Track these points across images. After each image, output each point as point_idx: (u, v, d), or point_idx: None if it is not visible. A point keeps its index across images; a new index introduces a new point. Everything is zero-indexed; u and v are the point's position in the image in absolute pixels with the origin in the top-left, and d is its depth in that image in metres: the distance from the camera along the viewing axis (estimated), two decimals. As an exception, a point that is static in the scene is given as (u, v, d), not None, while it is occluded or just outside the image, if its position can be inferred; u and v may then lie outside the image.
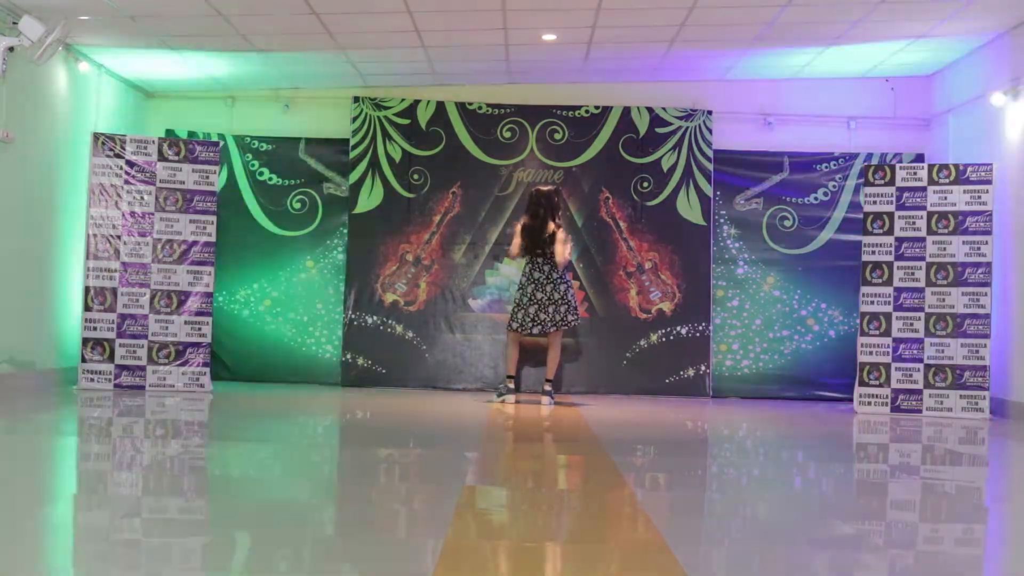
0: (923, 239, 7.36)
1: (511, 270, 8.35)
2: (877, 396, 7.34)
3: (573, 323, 7.53)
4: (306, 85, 8.70)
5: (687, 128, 8.51)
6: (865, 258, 7.45)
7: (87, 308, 7.31)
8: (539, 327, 7.42)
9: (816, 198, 8.49)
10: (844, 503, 4.01)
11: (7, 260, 6.84)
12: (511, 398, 7.51)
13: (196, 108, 8.75)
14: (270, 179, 8.61)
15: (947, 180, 7.36)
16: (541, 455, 5.17)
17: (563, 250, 7.41)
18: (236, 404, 6.95)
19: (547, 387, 7.57)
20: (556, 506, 3.73)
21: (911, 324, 7.33)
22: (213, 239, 7.55)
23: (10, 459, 4.40)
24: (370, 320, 8.42)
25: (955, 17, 6.89)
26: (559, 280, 7.46)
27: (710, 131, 8.51)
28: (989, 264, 7.22)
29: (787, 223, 8.50)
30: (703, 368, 8.34)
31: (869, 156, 8.42)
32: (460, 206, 8.52)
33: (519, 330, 7.43)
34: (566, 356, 8.29)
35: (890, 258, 7.40)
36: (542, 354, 7.86)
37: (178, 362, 7.40)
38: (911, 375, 7.30)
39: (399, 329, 8.43)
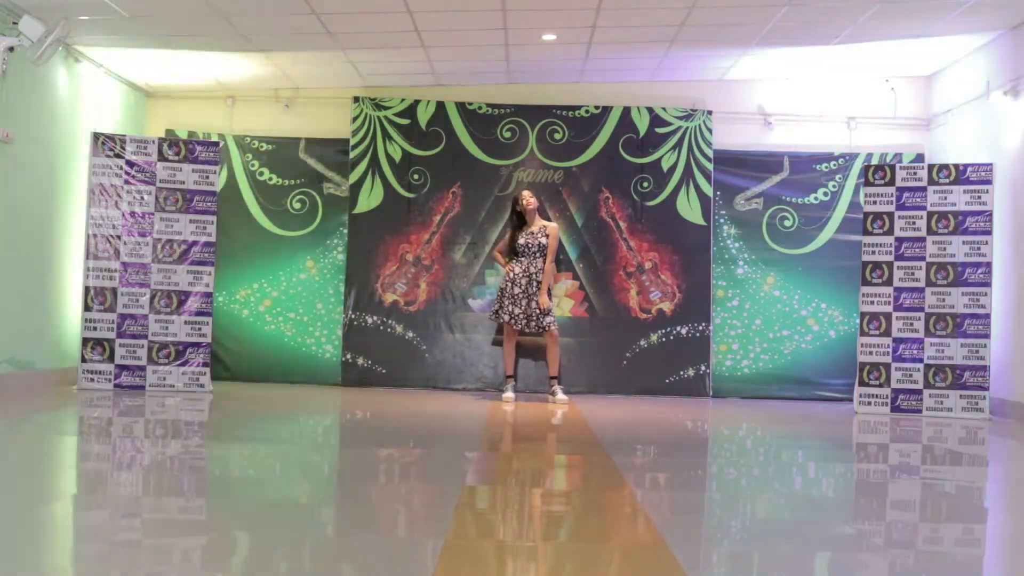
0: (923, 239, 7.36)
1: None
2: (877, 396, 7.34)
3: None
4: (306, 85, 8.69)
5: (687, 128, 8.51)
6: (865, 258, 7.45)
7: (87, 308, 7.31)
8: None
9: (816, 198, 8.49)
10: (844, 503, 4.00)
11: (7, 260, 6.83)
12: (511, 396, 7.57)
13: (196, 108, 8.75)
14: (270, 179, 8.60)
15: (947, 180, 7.36)
16: (541, 455, 5.16)
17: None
18: (236, 404, 6.95)
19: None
20: (556, 506, 3.73)
21: (911, 324, 7.33)
22: (213, 239, 7.54)
23: (10, 459, 4.39)
24: (370, 320, 8.42)
25: (955, 17, 6.89)
26: None
27: (710, 131, 8.51)
28: (989, 264, 7.22)
29: (787, 223, 8.49)
30: (703, 368, 8.33)
31: (869, 156, 8.43)
32: (460, 206, 8.52)
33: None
34: (566, 355, 8.29)
35: (890, 258, 7.40)
36: (537, 353, 7.88)
37: (178, 362, 7.39)
38: (911, 375, 7.30)
39: (399, 329, 8.42)
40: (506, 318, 7.53)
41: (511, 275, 7.57)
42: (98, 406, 6.47)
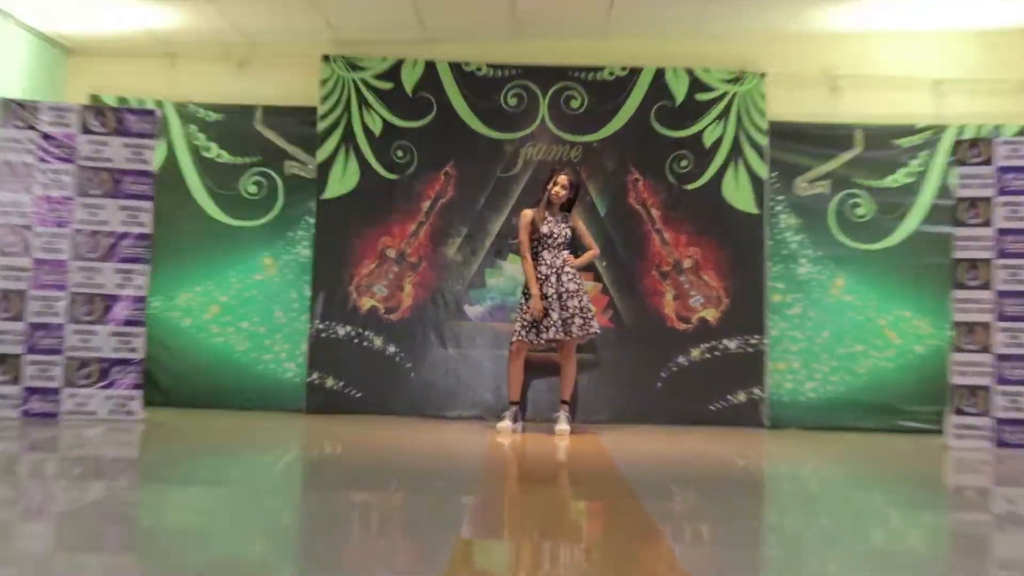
0: (1031, 230, 7.32)
1: (518, 269, 8.28)
2: (976, 427, 7.31)
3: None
4: (265, 41, 8.70)
5: (735, 94, 8.53)
6: (958, 255, 7.44)
7: (-10, 316, 7.28)
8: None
9: (896, 180, 8.48)
10: (937, 563, 3.94)
11: None
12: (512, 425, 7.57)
13: (128, 68, 8.77)
14: (219, 156, 8.61)
15: (1060, 157, 7.34)
16: (555, 500, 5.13)
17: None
18: (174, 436, 6.93)
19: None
20: (574, 565, 3.68)
21: (1017, 338, 7.29)
22: (148, 231, 7.52)
23: None
24: (342, 331, 8.40)
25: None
26: None
27: (764, 97, 8.53)
28: (1114, 262, 7.16)
29: (860, 211, 8.48)
30: (757, 392, 8.31)
31: (962, 128, 8.42)
32: (454, 190, 8.50)
33: None
34: (584, 376, 8.25)
35: (989, 255, 7.38)
36: (550, 371, 7.84)
37: (102, 384, 7.35)
38: (1018, 401, 7.25)
39: (378, 342, 8.40)
40: (540, 338, 7.46)
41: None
42: (0, 438, 6.41)
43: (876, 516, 4.97)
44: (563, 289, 7.48)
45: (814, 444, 7.47)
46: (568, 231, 7.63)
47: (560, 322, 7.43)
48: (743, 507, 5.07)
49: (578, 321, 7.47)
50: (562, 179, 7.60)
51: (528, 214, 7.66)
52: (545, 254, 7.56)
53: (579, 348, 8.04)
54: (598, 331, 7.65)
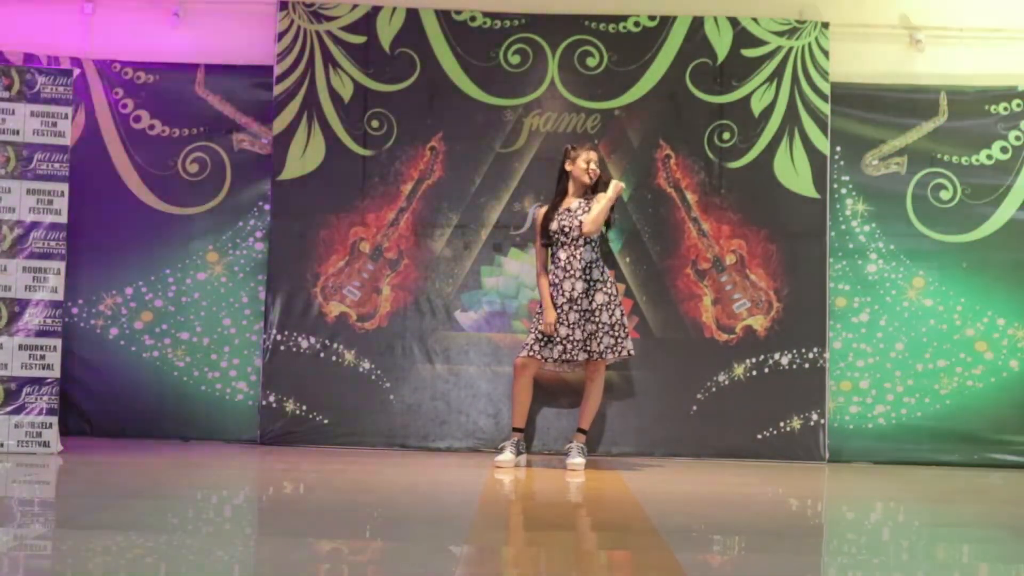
0: None
1: (521, 267, 8.33)
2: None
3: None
4: (208, -17, 8.71)
5: (791, 49, 8.53)
6: (1066, 249, 7.48)
7: None
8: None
9: (990, 156, 8.51)
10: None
11: None
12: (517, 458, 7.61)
13: (36, 17, 8.72)
14: (152, 127, 8.61)
15: None
16: (567, 550, 5.15)
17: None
18: (99, 473, 6.93)
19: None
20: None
21: None
22: (63, 219, 7.56)
23: None
24: (305, 344, 8.42)
25: None
26: None
27: (826, 54, 8.53)
28: None
29: (945, 195, 8.51)
30: (815, 417, 8.34)
31: (1075, 92, 8.46)
32: (443, 169, 8.52)
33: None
34: (604, 398, 8.27)
35: (1105, 248, 7.42)
36: (562, 394, 7.86)
37: (9, 408, 7.39)
38: None
39: (349, 357, 8.43)
40: (553, 355, 7.50)
41: (550, 285, 7.56)
42: None
43: (962, 570, 5.01)
44: (593, 303, 7.49)
45: (884, 482, 7.46)
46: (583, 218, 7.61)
47: (582, 340, 7.48)
48: (798, 562, 5.10)
49: (607, 341, 7.49)
50: (592, 155, 7.65)
51: (539, 214, 7.73)
52: (561, 254, 7.58)
53: (603, 365, 8.11)
54: (632, 352, 7.69)
